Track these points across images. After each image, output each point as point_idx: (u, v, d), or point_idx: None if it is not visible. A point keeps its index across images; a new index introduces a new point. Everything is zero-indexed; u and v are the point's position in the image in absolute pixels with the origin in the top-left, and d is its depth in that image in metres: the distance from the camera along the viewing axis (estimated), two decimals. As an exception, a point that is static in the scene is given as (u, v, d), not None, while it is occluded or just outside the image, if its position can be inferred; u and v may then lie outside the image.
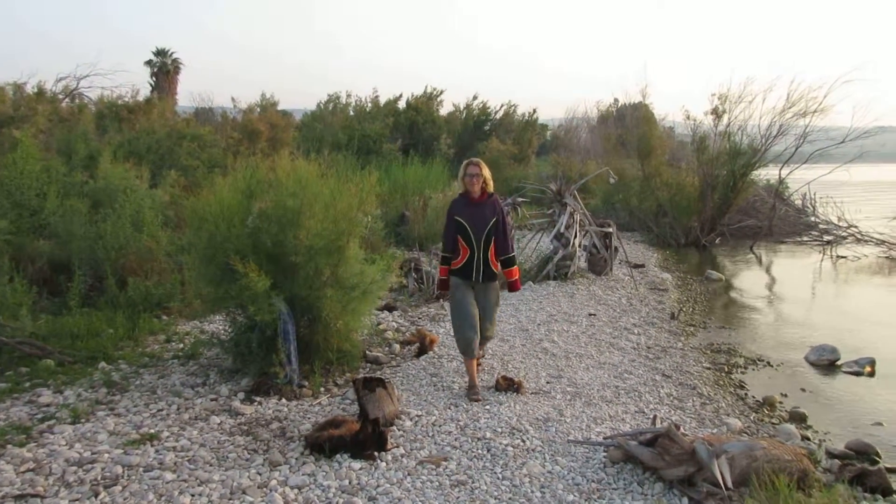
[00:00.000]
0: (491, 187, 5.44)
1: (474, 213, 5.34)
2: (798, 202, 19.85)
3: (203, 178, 10.56)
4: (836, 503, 3.66)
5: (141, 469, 3.95)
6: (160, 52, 36.44)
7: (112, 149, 10.79)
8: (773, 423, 5.46)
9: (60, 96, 17.70)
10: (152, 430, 4.51)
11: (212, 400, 5.14)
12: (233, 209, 5.46)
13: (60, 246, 7.79)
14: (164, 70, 36.28)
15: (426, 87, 26.93)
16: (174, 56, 36.81)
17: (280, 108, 24.14)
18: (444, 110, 27.05)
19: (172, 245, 7.86)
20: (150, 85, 35.08)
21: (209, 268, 5.45)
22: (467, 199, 5.42)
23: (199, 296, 5.98)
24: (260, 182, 5.83)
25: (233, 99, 23.95)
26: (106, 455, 4.09)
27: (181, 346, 6.56)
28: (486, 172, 5.38)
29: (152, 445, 4.28)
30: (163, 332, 6.96)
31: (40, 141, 11.74)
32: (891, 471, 4.61)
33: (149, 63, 36.40)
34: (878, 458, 4.89)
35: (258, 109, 22.47)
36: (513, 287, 5.67)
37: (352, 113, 25.14)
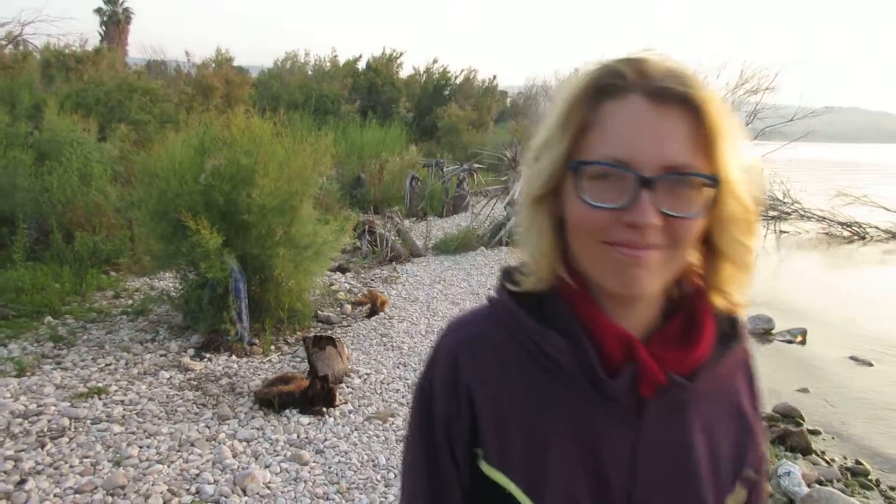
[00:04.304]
0: (747, 274, 0.83)
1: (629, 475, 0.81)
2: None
3: (155, 133, 10.34)
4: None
5: (88, 421, 3.97)
6: (110, 1, 35.05)
7: (59, 99, 10.44)
8: (707, 387, 5.73)
9: (3, 42, 16.96)
10: (100, 384, 4.52)
11: (161, 356, 5.15)
12: (185, 165, 5.41)
13: (4, 198, 7.56)
14: (115, 19, 34.93)
15: (384, 48, 26.58)
16: (125, 5, 35.47)
17: (236, 64, 23.56)
18: (404, 73, 26.80)
19: (122, 200, 7.71)
20: (100, 34, 33.76)
21: (160, 224, 5.41)
22: (581, 338, 0.81)
23: (149, 252, 5.92)
24: (213, 139, 5.77)
25: (186, 53, 23.20)
26: (52, 408, 4.09)
27: (130, 302, 6.51)
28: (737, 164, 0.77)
29: (100, 399, 4.29)
30: (111, 287, 6.88)
31: (-19, 88, 11.29)
32: (812, 432, 4.93)
33: (98, 11, 35.00)
34: (801, 421, 5.20)
35: (213, 65, 21.90)
36: None
37: (310, 72, 24.69)
